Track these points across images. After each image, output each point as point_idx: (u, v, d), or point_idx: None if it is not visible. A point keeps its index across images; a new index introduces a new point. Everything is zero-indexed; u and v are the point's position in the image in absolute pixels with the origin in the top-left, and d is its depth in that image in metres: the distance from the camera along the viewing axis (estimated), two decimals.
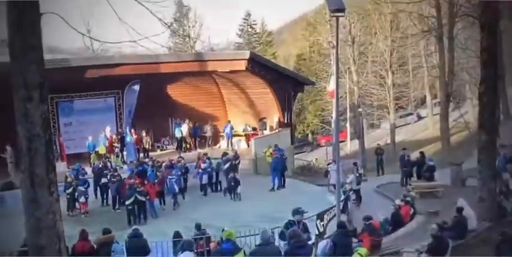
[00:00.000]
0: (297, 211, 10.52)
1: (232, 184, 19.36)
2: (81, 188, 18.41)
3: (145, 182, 18.77)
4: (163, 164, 21.16)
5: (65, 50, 27.37)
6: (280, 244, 8.73)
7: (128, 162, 22.51)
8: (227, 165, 21.40)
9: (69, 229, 10.12)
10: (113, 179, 18.58)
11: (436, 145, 30.45)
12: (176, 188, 19.18)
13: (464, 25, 32.30)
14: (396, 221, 14.60)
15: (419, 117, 48.06)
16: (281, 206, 17.57)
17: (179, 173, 20.01)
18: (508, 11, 21.99)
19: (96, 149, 22.74)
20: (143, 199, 17.52)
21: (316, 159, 33.73)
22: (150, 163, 20.96)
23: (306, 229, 10.34)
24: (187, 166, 21.50)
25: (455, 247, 10.10)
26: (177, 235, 12.01)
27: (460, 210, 12.02)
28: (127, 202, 17.32)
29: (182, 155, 23.44)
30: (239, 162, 22.43)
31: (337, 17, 13.18)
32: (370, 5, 40.40)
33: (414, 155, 22.67)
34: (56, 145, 20.36)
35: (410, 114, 49.68)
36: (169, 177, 19.56)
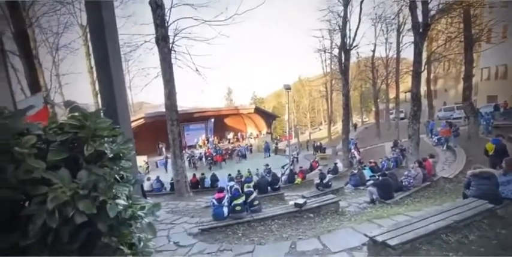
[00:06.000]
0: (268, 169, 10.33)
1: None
2: (194, 158, 18.42)
3: (216, 154, 18.80)
4: (223, 148, 20.74)
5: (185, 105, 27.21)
6: (268, 179, 7.90)
7: (211, 147, 21.68)
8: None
9: (189, 173, 10.09)
10: (206, 154, 18.46)
11: (326, 139, 28.00)
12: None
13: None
14: (311, 168, 14.28)
15: (320, 129, 45.45)
16: (268, 162, 17.28)
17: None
18: None
19: (199, 143, 22.56)
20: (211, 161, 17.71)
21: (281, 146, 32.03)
22: (218, 148, 20.56)
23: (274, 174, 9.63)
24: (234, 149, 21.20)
25: (332, 178, 9.92)
26: (229, 175, 11.66)
27: (335, 164, 12.14)
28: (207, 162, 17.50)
29: (230, 145, 23.08)
30: (252, 147, 22.38)
31: (288, 91, 13.37)
32: (300, 87, 39.88)
33: (318, 143, 21.93)
34: (183, 142, 19.58)
35: (316, 128, 47.79)
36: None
